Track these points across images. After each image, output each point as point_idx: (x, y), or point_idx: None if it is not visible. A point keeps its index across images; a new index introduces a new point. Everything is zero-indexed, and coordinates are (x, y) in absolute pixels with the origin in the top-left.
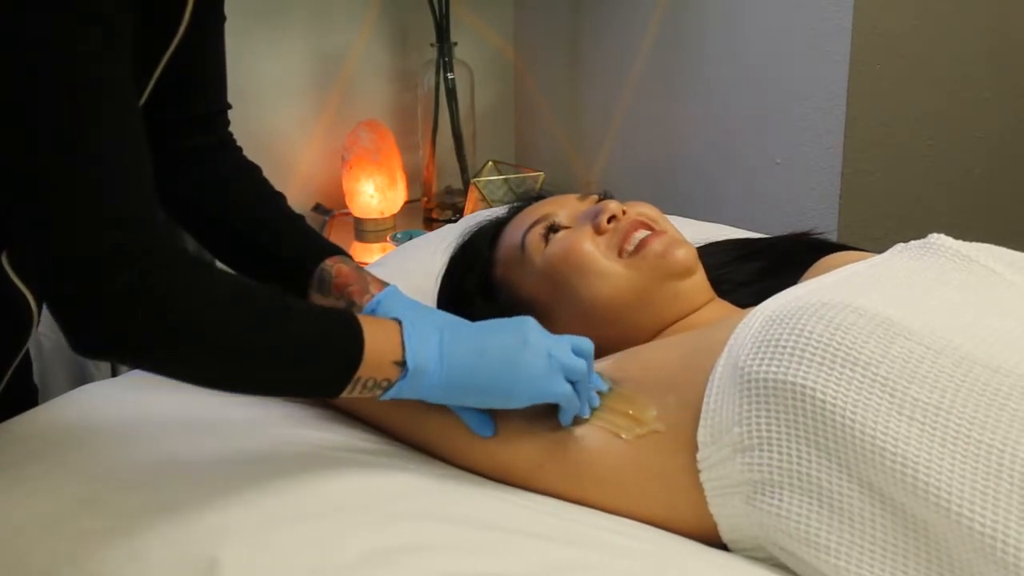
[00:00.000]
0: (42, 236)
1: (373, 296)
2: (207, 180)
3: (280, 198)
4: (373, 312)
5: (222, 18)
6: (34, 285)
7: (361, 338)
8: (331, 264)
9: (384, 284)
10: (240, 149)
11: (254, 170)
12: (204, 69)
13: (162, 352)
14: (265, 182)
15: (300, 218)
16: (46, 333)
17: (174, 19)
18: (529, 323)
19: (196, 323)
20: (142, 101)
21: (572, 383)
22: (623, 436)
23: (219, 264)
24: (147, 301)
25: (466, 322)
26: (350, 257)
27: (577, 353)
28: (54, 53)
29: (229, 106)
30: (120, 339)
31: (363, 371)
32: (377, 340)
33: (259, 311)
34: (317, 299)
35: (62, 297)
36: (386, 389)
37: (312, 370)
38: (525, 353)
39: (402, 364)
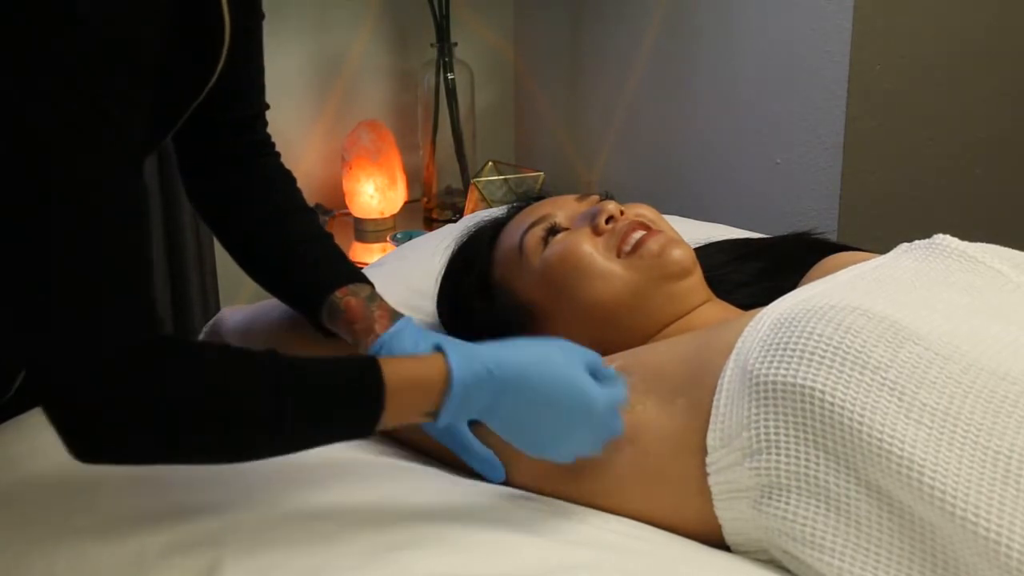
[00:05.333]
0: (37, 343)
1: (378, 336)
2: (242, 188)
3: (310, 215)
4: (377, 355)
5: (261, 17)
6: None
7: (380, 404)
8: (341, 296)
9: (395, 316)
10: (278, 154)
11: (289, 181)
12: (247, 72)
13: (162, 452)
14: (298, 194)
15: (327, 237)
16: None
17: (217, 40)
18: (591, 399)
19: (197, 420)
20: (187, 115)
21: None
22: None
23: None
24: (142, 404)
25: (523, 371)
26: (367, 283)
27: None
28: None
29: (267, 106)
30: (120, 445)
31: (387, 421)
32: (407, 395)
33: (264, 395)
34: (330, 327)
35: (54, 402)
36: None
37: (325, 437)
38: (581, 432)
39: (435, 412)
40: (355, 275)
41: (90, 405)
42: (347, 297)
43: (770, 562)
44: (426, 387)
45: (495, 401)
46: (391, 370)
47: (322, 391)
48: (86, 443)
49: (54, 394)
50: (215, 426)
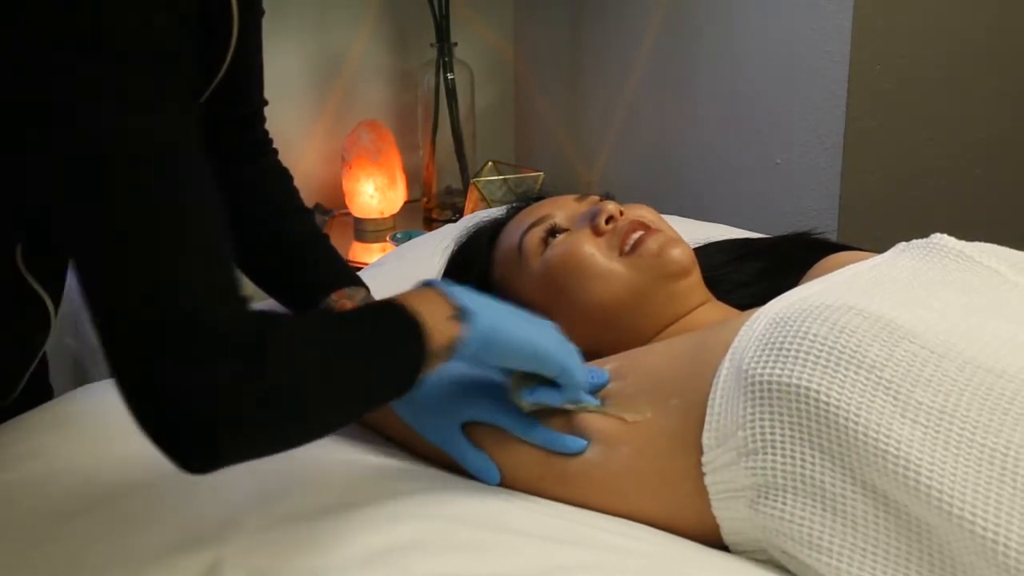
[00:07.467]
0: (136, 361)
1: None
2: (241, 187)
3: (307, 215)
4: None
5: (261, 12)
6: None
7: (417, 321)
8: (336, 299)
9: None
10: (276, 151)
11: (287, 179)
12: (248, 70)
13: (277, 436)
14: (295, 194)
15: (323, 239)
16: None
17: (224, 37)
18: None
19: (298, 395)
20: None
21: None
22: (627, 419)
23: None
24: (249, 397)
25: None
26: (362, 286)
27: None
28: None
29: (266, 102)
30: (234, 444)
31: (432, 344)
32: (428, 308)
33: (338, 347)
34: None
35: (163, 424)
36: (454, 348)
37: (394, 372)
38: (554, 330)
39: (458, 311)
40: (351, 278)
41: (213, 394)
42: (342, 300)
43: (769, 562)
44: (428, 296)
45: (482, 300)
46: (397, 298)
47: (374, 328)
48: (219, 437)
49: (170, 404)
50: (325, 390)
